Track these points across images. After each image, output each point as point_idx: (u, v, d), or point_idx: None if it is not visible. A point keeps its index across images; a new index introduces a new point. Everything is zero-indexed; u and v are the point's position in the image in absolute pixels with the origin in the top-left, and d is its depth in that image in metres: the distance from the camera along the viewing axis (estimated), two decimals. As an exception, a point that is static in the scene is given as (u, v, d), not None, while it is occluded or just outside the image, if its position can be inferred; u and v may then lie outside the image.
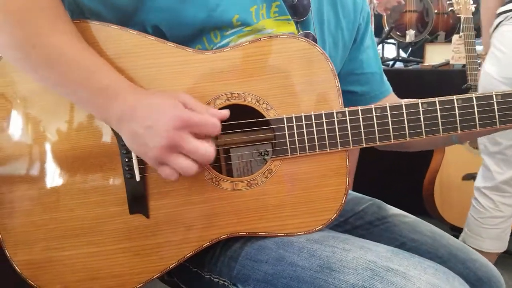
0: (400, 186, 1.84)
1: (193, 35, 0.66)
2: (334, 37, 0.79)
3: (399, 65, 2.48)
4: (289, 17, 0.71)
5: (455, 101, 0.63)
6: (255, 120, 0.64)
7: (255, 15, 0.68)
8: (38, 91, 0.64)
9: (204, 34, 0.66)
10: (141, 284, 0.65)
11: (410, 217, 0.84)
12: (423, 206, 1.89)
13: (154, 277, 0.65)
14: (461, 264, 0.74)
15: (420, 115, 0.63)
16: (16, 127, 0.64)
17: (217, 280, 0.67)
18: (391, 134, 0.63)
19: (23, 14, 0.56)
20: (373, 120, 0.63)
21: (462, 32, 1.79)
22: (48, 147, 0.64)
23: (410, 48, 2.70)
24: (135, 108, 0.57)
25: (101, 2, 0.63)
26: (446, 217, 1.80)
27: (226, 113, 0.60)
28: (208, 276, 0.69)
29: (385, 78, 0.89)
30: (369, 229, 0.83)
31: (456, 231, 1.84)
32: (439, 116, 0.63)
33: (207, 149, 0.56)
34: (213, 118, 0.57)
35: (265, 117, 0.64)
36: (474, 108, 0.62)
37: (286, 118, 0.63)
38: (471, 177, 1.77)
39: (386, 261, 0.56)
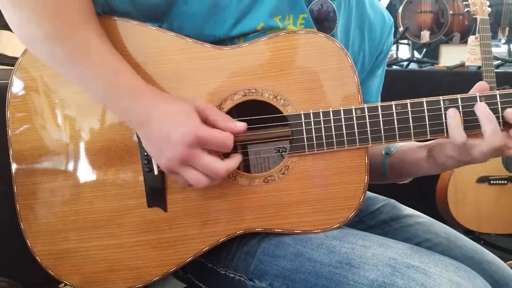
0: (412, 188, 1.82)
1: (219, 41, 0.67)
2: (355, 58, 0.79)
3: (413, 66, 2.47)
4: (315, 30, 0.70)
5: (478, 97, 0.62)
6: (272, 116, 0.64)
7: (280, 23, 0.68)
8: (59, 86, 0.65)
9: (228, 40, 0.67)
10: (158, 277, 0.66)
11: (425, 218, 0.83)
12: (436, 209, 1.87)
13: (171, 270, 0.66)
14: (477, 266, 0.73)
15: (441, 111, 0.62)
16: (38, 121, 0.65)
17: (233, 275, 0.67)
18: (412, 131, 0.62)
19: (55, 7, 0.56)
20: (393, 117, 0.62)
21: (478, 33, 1.76)
22: (68, 141, 0.65)
23: (425, 49, 2.67)
24: (151, 115, 0.57)
25: (133, 3, 0.64)
26: (460, 220, 1.78)
27: (243, 127, 0.59)
28: (224, 272, 0.69)
29: None
30: (383, 228, 0.82)
31: (470, 234, 1.81)
32: (461, 113, 0.62)
33: (218, 166, 0.57)
34: (225, 134, 0.57)
35: (282, 113, 0.64)
36: (498, 105, 0.61)
37: (304, 114, 0.63)
38: (486, 179, 1.75)
39: (407, 258, 0.56)
